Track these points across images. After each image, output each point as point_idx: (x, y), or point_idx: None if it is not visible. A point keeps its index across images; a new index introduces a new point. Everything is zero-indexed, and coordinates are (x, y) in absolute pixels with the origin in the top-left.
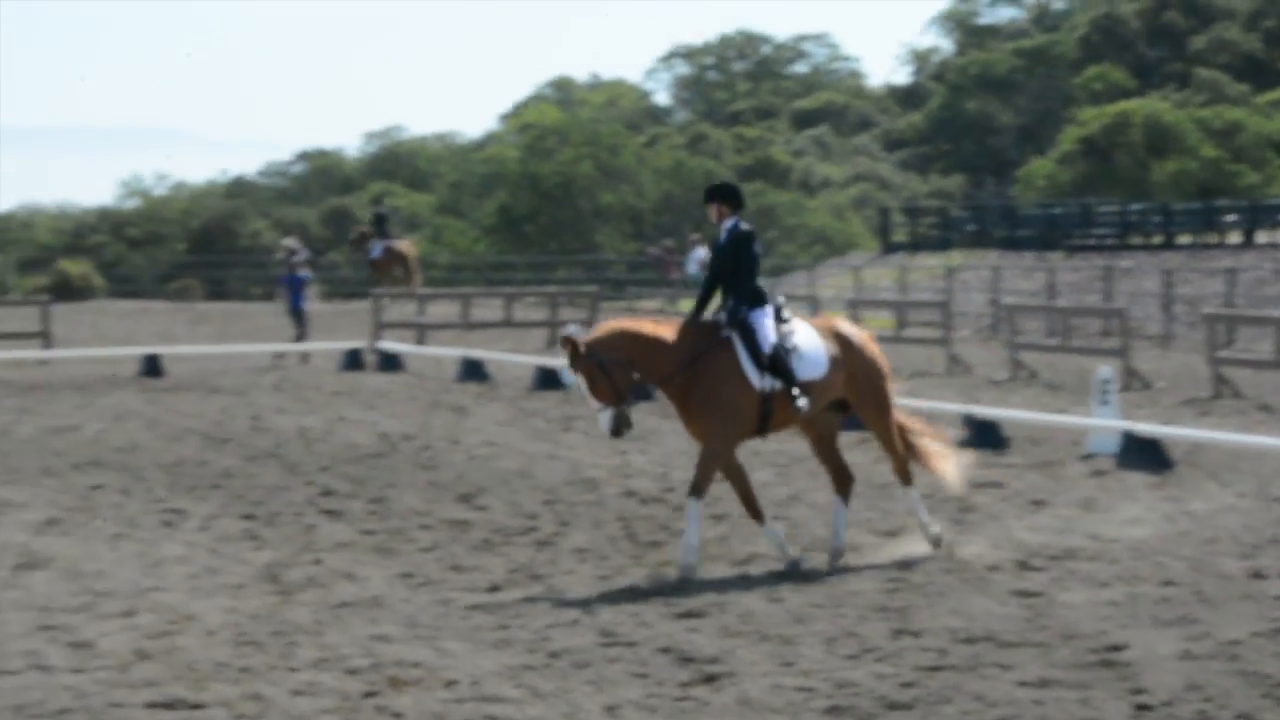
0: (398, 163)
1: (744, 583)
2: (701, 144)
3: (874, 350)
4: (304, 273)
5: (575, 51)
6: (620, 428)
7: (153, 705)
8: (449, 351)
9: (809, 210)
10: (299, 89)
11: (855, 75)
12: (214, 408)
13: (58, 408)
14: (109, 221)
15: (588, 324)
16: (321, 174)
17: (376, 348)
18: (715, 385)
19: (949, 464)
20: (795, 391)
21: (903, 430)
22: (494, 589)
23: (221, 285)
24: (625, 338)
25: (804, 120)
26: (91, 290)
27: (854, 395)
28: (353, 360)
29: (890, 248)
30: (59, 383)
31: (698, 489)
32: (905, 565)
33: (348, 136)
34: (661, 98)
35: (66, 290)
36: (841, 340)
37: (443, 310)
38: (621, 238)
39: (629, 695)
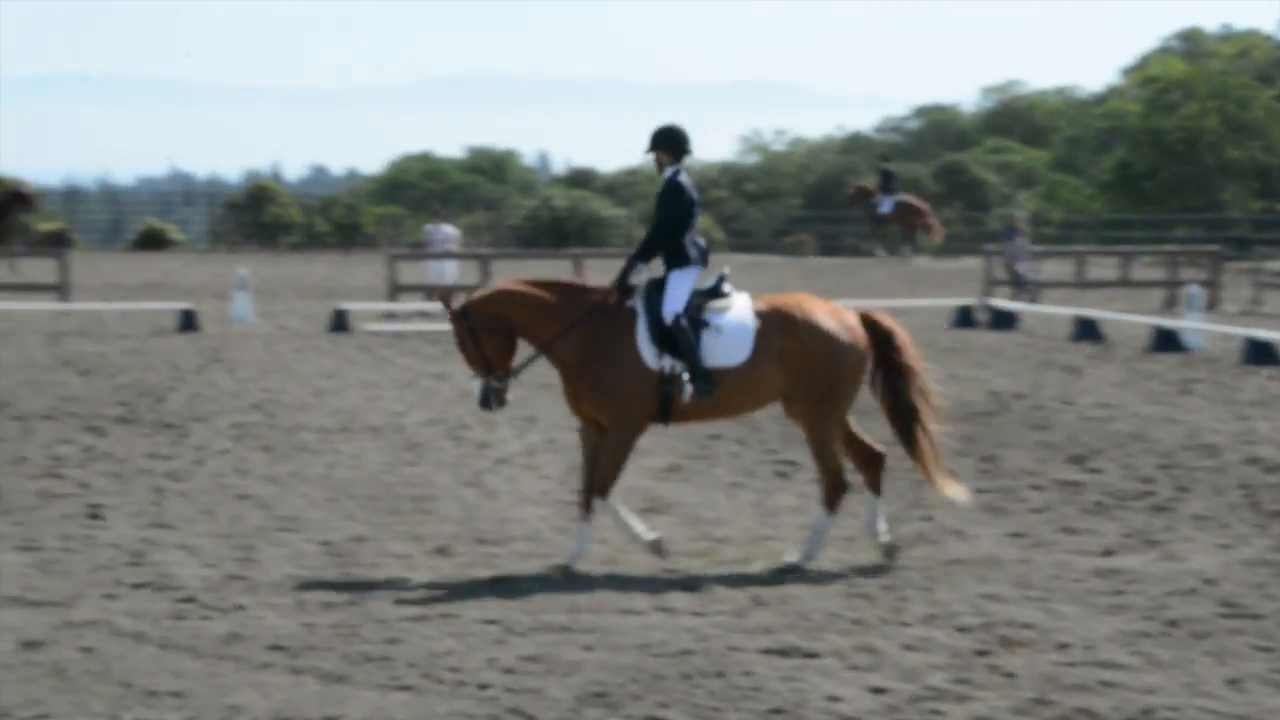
0: (1014, 118)
1: None
2: None
3: (840, 343)
4: (1021, 235)
5: (1205, 2)
6: (489, 400)
7: (768, 651)
8: (1062, 310)
9: None
10: (917, 44)
11: None
12: None
13: None
14: (729, 176)
15: (1209, 284)
16: (937, 129)
17: (988, 304)
18: (602, 359)
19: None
20: (685, 376)
21: (915, 432)
22: (1108, 553)
23: (835, 240)
24: (505, 297)
25: None
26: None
27: (790, 388)
28: (963, 318)
29: None
30: None
31: (602, 487)
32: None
33: (965, 91)
34: None
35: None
36: (786, 324)
37: (1056, 269)
38: (1248, 195)
39: (1253, 669)
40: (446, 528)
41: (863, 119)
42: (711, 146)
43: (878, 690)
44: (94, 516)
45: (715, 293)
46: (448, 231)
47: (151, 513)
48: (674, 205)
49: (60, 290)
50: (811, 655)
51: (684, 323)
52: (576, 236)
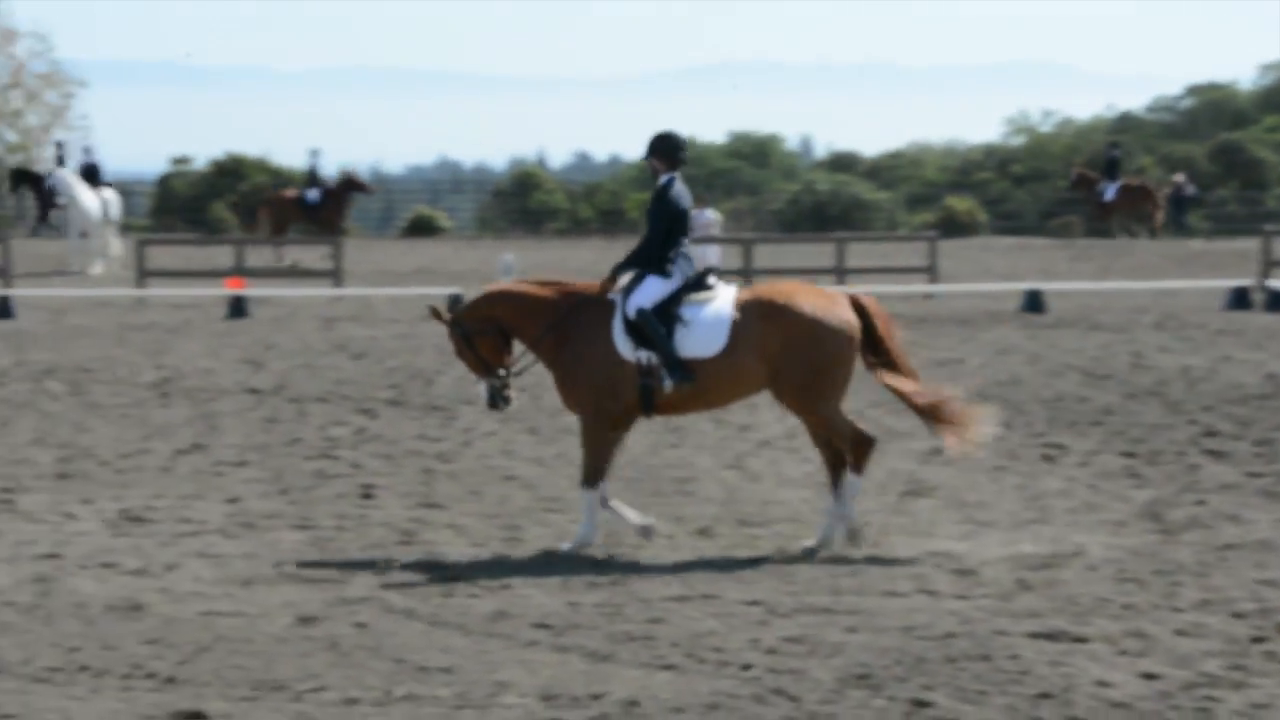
0: None
1: None
2: None
3: (824, 329)
4: None
5: None
6: (496, 400)
7: (1035, 635)
8: None
9: None
10: (1190, 21)
11: None
12: (1094, 344)
13: (942, 341)
14: (995, 158)
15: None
16: (1212, 108)
17: (1265, 286)
18: (581, 353)
19: (969, 430)
20: (651, 364)
21: (925, 397)
22: None
23: (1103, 222)
24: (494, 299)
25: None
26: (976, 226)
27: (773, 377)
28: (1239, 299)
29: None
30: (943, 317)
31: (586, 478)
32: None
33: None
34: None
35: (953, 226)
36: (767, 312)
37: None
38: None
39: None
40: (708, 509)
41: (1134, 99)
42: (977, 128)
43: (1149, 676)
44: (366, 496)
45: (698, 286)
46: (710, 217)
47: (421, 493)
48: (661, 215)
49: (334, 277)
50: (1080, 640)
51: (650, 316)
52: (839, 221)
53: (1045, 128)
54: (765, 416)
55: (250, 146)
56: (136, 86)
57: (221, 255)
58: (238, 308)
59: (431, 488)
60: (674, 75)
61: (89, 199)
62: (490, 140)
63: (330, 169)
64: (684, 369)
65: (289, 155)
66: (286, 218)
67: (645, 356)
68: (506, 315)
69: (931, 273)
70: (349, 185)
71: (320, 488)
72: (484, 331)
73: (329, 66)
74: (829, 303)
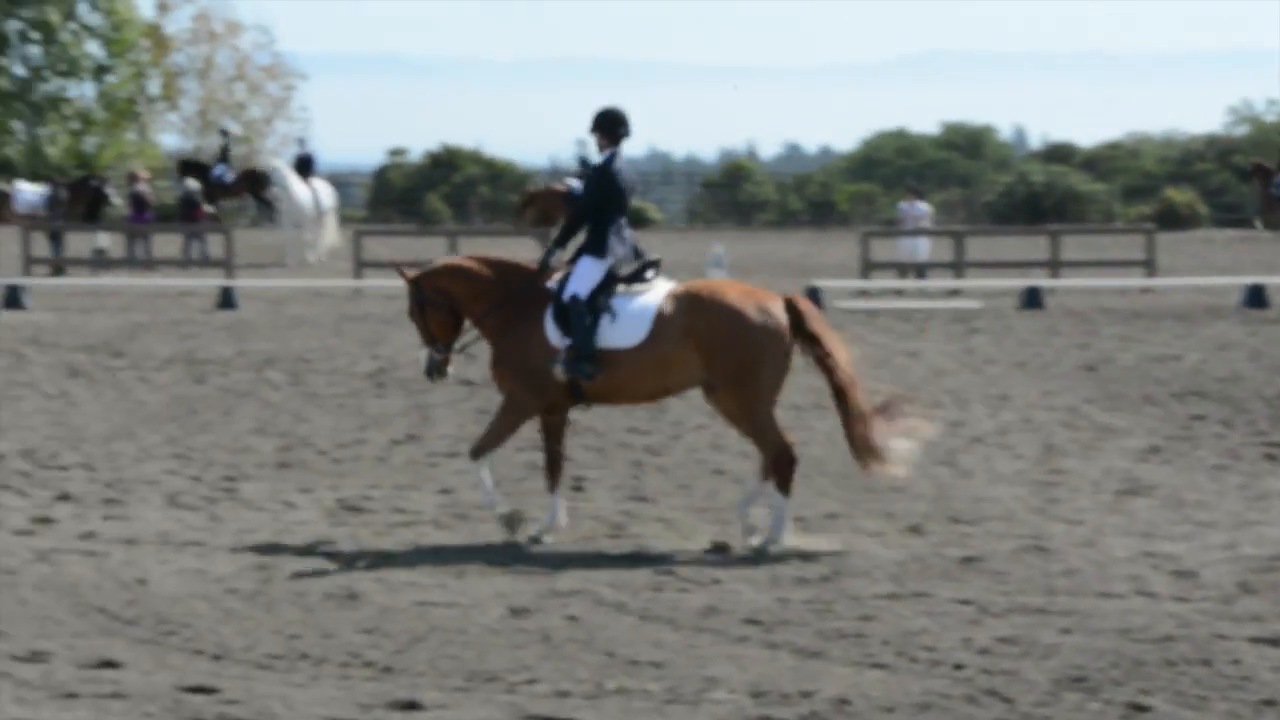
0: None
1: None
2: None
3: (748, 322)
4: None
5: None
6: (432, 371)
7: (1257, 640)
8: None
9: None
10: None
11: None
12: None
13: (1160, 336)
14: (1216, 148)
15: None
16: None
17: None
18: (514, 335)
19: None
20: (562, 353)
21: (860, 415)
22: None
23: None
24: (450, 272)
25: None
26: (1196, 218)
27: (709, 372)
28: None
29: None
30: (1161, 311)
31: (478, 449)
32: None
33: None
34: None
35: (1171, 218)
36: (692, 305)
37: None
38: None
39: None
40: (919, 506)
41: None
42: (1198, 118)
43: None
44: (576, 489)
45: (635, 278)
46: (922, 209)
47: (631, 486)
48: (596, 192)
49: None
50: None
51: (580, 304)
52: (1053, 212)
53: (1270, 117)
54: (977, 412)
55: (464, 138)
56: (355, 78)
57: (436, 246)
58: None
59: (641, 481)
60: (886, 65)
61: (301, 191)
62: (701, 132)
63: (537, 159)
64: (592, 361)
65: (502, 146)
66: (554, 210)
67: (568, 344)
68: (457, 291)
69: (1149, 266)
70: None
71: (531, 480)
72: (435, 304)
73: (542, 58)
74: (756, 300)
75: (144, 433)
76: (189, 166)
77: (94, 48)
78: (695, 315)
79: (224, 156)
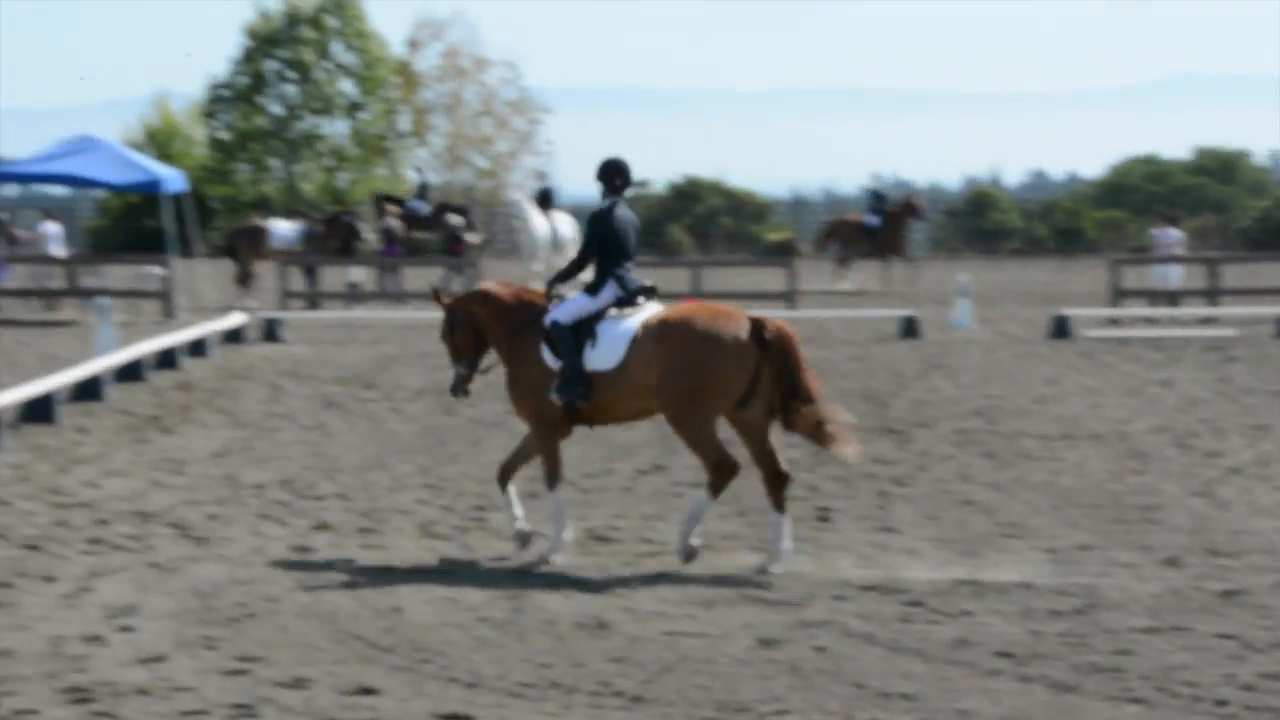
0: None
1: None
2: None
3: (709, 343)
4: None
5: None
6: (457, 389)
7: None
8: None
9: None
10: None
11: None
12: None
13: None
14: None
15: None
16: None
17: None
18: (520, 360)
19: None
20: (555, 377)
21: (810, 414)
22: None
23: None
24: (478, 298)
25: None
26: None
27: (657, 386)
28: None
29: None
30: None
31: (548, 479)
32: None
33: None
34: None
35: None
36: (662, 328)
37: None
38: None
39: None
40: (1176, 538)
41: None
42: None
43: None
44: (822, 519)
45: (625, 303)
46: (1174, 235)
47: (877, 516)
48: (592, 236)
49: (788, 298)
50: None
51: (560, 329)
52: None
53: None
54: (1234, 442)
55: (707, 169)
56: (599, 111)
57: (678, 277)
58: None
59: (888, 511)
60: (1134, 90)
61: (540, 224)
62: (944, 159)
63: (778, 189)
64: (581, 383)
65: (744, 177)
66: (851, 241)
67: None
68: (482, 315)
69: None
70: (908, 209)
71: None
72: (463, 325)
73: (784, 89)
74: (724, 321)
75: (397, 463)
76: (385, 200)
77: (347, 86)
78: (661, 340)
79: (422, 193)
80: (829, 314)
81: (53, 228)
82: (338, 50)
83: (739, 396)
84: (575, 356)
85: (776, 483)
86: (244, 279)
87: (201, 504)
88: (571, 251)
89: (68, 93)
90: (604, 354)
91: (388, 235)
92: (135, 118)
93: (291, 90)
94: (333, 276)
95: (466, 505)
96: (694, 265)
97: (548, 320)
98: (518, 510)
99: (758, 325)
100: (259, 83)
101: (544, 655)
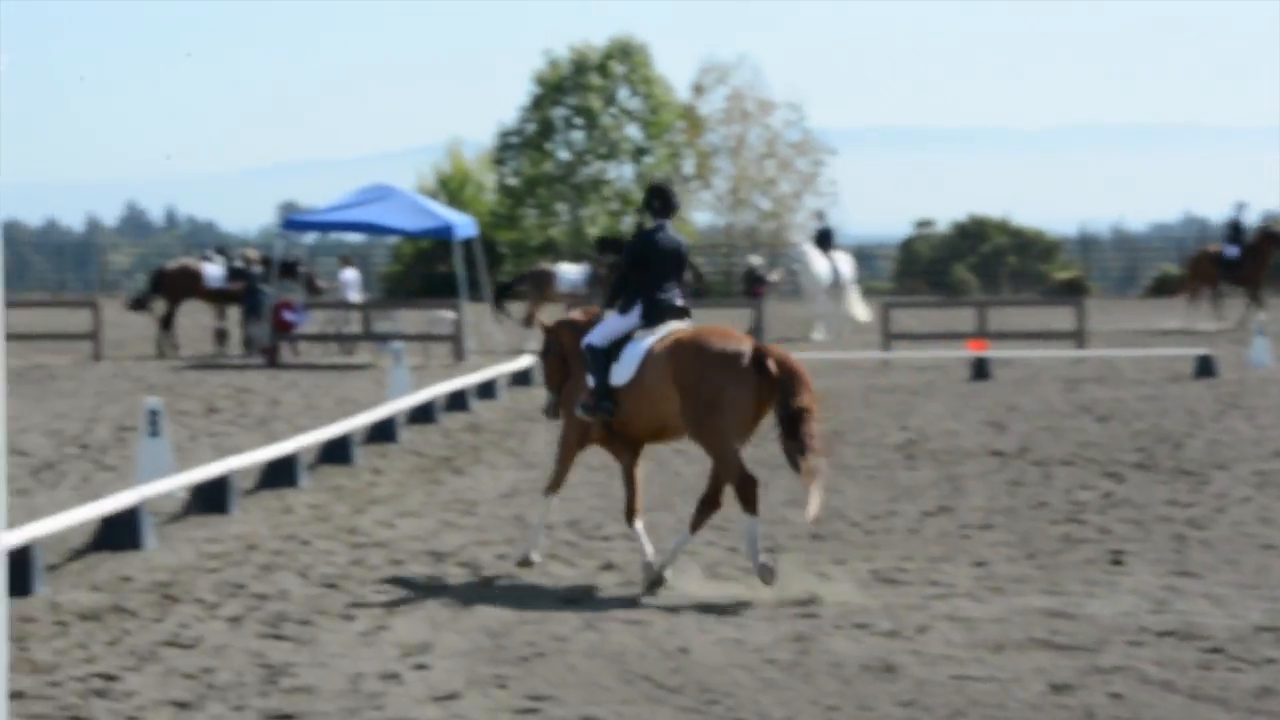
0: None
1: None
2: None
3: (705, 359)
4: None
5: None
6: (548, 411)
7: None
8: None
9: None
10: None
11: None
12: None
13: None
14: None
15: None
16: None
17: None
18: (574, 379)
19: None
20: (584, 394)
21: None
22: None
23: None
24: (565, 325)
25: None
26: None
27: (682, 405)
28: None
29: None
30: None
31: (550, 484)
32: None
33: None
34: None
35: None
36: (674, 346)
37: None
38: None
39: None
40: None
41: None
42: None
43: None
44: (1116, 562)
45: (654, 321)
46: None
47: (1173, 560)
48: (630, 258)
49: (1077, 338)
50: None
51: (590, 349)
52: None
53: None
54: None
55: (992, 207)
56: (883, 151)
57: (964, 317)
58: (980, 369)
59: (1184, 555)
60: None
61: (820, 265)
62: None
63: (1065, 227)
64: (607, 399)
65: (1030, 215)
66: (1209, 274)
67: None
68: (564, 340)
69: None
70: (1270, 240)
71: (1067, 552)
72: (551, 351)
73: (1070, 125)
74: (727, 341)
75: (682, 504)
76: (608, 244)
77: (633, 131)
78: (669, 356)
79: (822, 239)
80: (1121, 353)
81: (350, 274)
82: (624, 96)
83: (747, 415)
84: (603, 375)
85: (706, 508)
86: (529, 321)
87: (491, 544)
88: (853, 292)
89: (364, 143)
90: (623, 370)
91: None
92: (429, 165)
93: (578, 136)
94: None
95: None
96: (979, 305)
97: (583, 343)
98: (648, 548)
99: (760, 353)
100: (547, 129)
101: (831, 698)
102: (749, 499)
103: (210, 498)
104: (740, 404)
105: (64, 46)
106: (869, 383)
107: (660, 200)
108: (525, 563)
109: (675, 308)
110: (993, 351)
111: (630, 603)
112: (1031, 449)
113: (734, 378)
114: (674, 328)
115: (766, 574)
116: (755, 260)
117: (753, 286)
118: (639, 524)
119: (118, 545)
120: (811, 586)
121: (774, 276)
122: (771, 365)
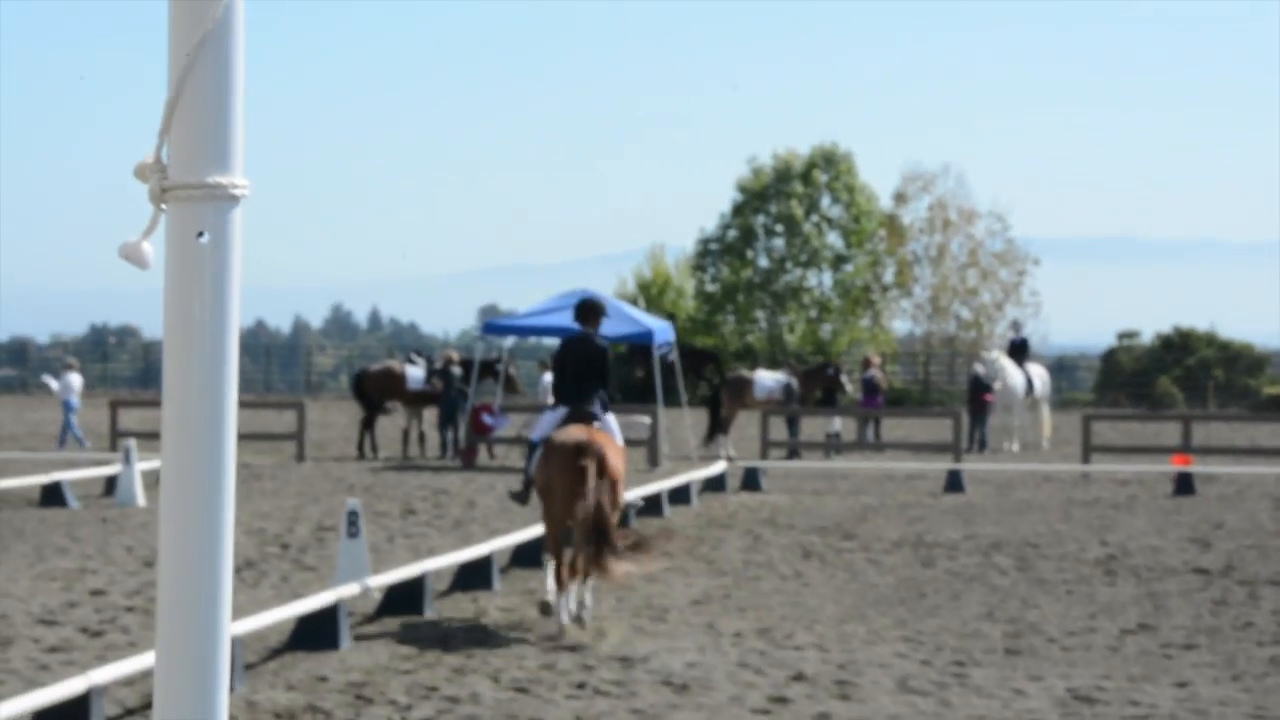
0: None
1: None
2: None
3: (558, 455)
4: None
5: None
6: (517, 498)
7: None
8: None
9: None
10: None
11: None
12: None
13: None
14: None
15: None
16: None
17: None
18: None
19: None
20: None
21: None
22: None
23: None
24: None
25: None
26: None
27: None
28: None
29: None
30: None
31: (544, 547)
32: None
33: None
34: None
35: None
36: (549, 442)
37: None
38: None
39: None
40: None
41: None
42: None
43: None
44: None
45: (570, 420)
46: None
47: None
48: (552, 364)
49: None
50: None
51: (531, 443)
52: None
53: None
54: None
55: (1198, 319)
56: (1086, 261)
57: (1167, 430)
58: (1184, 484)
59: None
60: None
61: (1015, 376)
62: None
63: (1268, 339)
64: (527, 487)
65: (1238, 328)
66: None
67: None
68: None
69: None
70: None
71: (1275, 675)
72: None
73: (1277, 237)
74: (570, 433)
75: (874, 615)
76: (699, 355)
77: (834, 238)
78: (547, 451)
79: (1016, 350)
80: None
81: (549, 378)
82: (826, 203)
83: (560, 499)
84: (529, 463)
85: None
86: (725, 427)
87: (682, 651)
88: (1044, 404)
89: (568, 248)
90: (533, 461)
91: (869, 386)
92: (630, 270)
93: (779, 243)
94: (813, 426)
95: (945, 660)
96: (1184, 418)
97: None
98: (550, 583)
99: (580, 445)
100: (748, 236)
101: None
102: (588, 570)
103: (405, 599)
104: (557, 485)
105: (295, 164)
106: (1068, 495)
107: (579, 312)
108: (545, 609)
109: (586, 412)
110: (1197, 467)
111: (821, 716)
112: (1237, 567)
113: (556, 466)
114: (570, 429)
115: (546, 609)
116: (980, 369)
117: (979, 394)
118: (549, 563)
119: (314, 645)
120: (998, 711)
121: (998, 385)
122: (585, 462)
